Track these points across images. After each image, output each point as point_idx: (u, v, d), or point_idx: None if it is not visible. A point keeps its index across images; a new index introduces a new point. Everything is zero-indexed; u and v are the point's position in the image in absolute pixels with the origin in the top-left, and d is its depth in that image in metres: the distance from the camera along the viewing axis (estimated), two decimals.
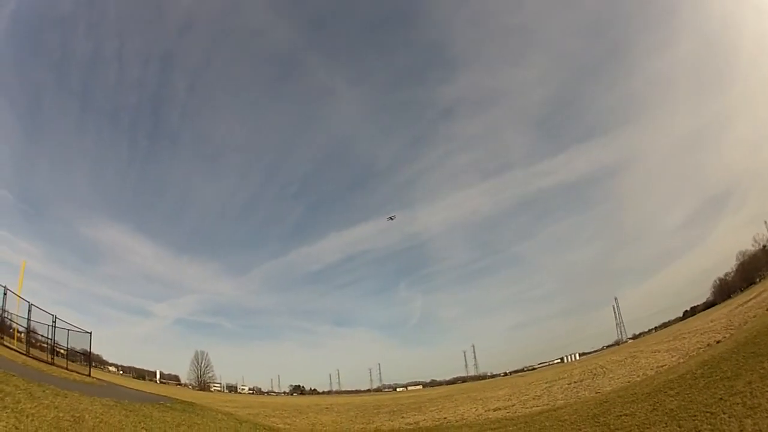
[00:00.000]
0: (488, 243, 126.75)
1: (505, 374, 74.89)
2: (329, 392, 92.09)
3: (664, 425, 7.99)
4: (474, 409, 19.39)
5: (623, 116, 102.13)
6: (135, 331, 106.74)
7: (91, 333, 24.07)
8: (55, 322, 22.29)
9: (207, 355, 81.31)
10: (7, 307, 21.28)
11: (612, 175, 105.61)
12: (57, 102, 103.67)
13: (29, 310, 21.46)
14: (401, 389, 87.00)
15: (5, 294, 20.64)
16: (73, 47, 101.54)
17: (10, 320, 22.02)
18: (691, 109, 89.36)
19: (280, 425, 18.63)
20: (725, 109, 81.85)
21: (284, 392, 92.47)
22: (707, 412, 7.81)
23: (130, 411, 11.86)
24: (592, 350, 69.03)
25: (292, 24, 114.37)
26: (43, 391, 10.76)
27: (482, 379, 77.04)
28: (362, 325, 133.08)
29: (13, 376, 11.36)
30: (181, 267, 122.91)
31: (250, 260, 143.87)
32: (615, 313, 73.53)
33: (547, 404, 16.32)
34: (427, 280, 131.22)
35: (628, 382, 16.12)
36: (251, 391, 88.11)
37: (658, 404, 9.74)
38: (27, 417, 7.91)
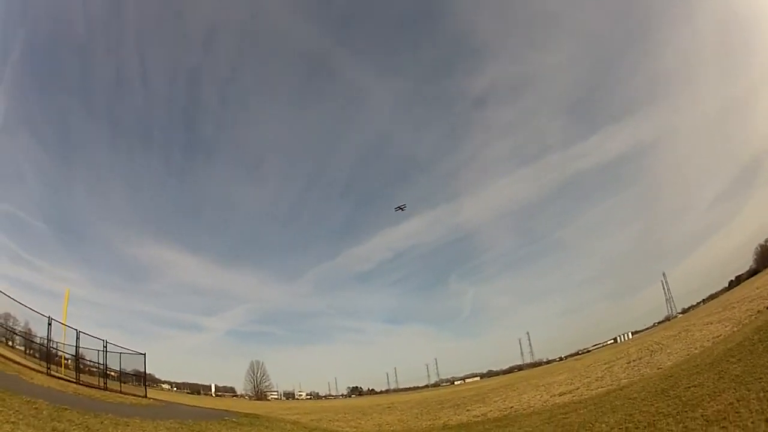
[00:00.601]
0: (532, 229, 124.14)
1: (561, 359, 73.96)
2: (387, 391, 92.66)
3: (734, 391, 8.47)
4: (539, 396, 19.71)
5: (653, 93, 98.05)
6: (186, 347, 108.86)
7: (145, 354, 24.27)
8: (106, 346, 22.37)
9: (262, 364, 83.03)
10: (53, 336, 21.11)
11: (646, 153, 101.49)
12: (84, 127, 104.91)
13: (77, 338, 21.45)
14: (459, 382, 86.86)
15: (50, 324, 20.58)
16: (93, 71, 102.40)
17: (56, 349, 21.77)
18: (718, 80, 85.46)
19: (346, 429, 18.46)
20: (753, 79, 78.05)
21: (342, 395, 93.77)
22: None
23: None
24: (644, 328, 67.20)
25: (317, 24, 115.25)
26: (101, 423, 9.91)
27: (539, 365, 76.15)
28: (415, 321, 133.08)
29: (66, 409, 10.41)
30: (229, 278, 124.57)
31: (298, 265, 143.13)
32: (664, 288, 71.27)
33: (611, 384, 16.60)
34: (476, 272, 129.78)
35: (688, 355, 16.30)
36: (309, 396, 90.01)
37: (723, 372, 10.12)
38: None
